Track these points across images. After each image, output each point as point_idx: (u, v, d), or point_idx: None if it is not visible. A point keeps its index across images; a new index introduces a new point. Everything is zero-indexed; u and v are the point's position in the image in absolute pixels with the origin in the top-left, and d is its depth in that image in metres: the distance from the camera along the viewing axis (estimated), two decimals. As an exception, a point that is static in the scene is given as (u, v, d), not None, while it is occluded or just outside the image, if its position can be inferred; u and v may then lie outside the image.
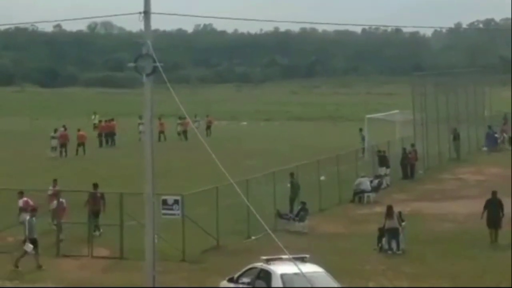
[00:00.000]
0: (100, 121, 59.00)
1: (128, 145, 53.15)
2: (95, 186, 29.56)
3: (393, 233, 26.77)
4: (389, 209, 27.45)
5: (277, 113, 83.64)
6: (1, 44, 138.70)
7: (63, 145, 50.35)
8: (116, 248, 26.25)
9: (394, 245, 26.72)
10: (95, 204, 28.27)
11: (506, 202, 32.85)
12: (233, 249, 26.87)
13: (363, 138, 48.66)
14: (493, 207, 28.22)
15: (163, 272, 22.27)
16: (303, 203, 30.73)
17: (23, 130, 65.60)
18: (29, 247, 24.69)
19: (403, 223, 27.36)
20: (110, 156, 50.33)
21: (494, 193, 29.03)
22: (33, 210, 25.89)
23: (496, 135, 54.73)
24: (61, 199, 28.05)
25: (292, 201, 32.20)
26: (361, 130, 49.41)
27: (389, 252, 26.60)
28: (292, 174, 32.92)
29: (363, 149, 45.85)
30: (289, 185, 32.77)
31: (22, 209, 27.98)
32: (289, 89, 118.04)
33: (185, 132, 59.33)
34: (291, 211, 31.32)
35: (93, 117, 63.80)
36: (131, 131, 58.80)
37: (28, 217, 25.35)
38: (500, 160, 46.56)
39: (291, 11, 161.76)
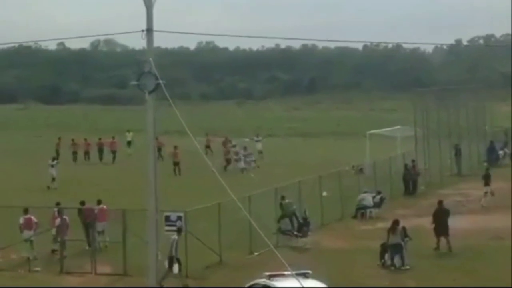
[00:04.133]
0: (72, 140, 59.32)
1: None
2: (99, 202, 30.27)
3: (397, 249, 26.80)
4: (394, 223, 27.52)
5: (278, 129, 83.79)
6: (5, 62, 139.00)
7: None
8: (119, 265, 26.32)
9: (397, 260, 26.76)
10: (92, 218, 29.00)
11: (506, 216, 33.16)
12: (235, 265, 26.94)
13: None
14: (440, 216, 29.00)
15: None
16: (304, 219, 30.78)
17: (29, 147, 65.84)
18: (175, 268, 24.57)
19: (406, 239, 27.43)
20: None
21: (440, 203, 29.97)
22: (179, 230, 25.47)
23: (500, 152, 54.81)
24: (64, 216, 28.16)
25: (288, 217, 31.84)
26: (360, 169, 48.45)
27: (392, 268, 26.64)
28: (283, 197, 32.36)
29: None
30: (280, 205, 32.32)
31: (24, 226, 28.04)
32: (291, 105, 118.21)
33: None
34: (292, 226, 31.21)
35: (127, 134, 64.12)
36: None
37: (175, 237, 24.98)
38: (502, 175, 46.61)
39: (292, 28, 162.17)
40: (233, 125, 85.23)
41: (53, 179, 45.14)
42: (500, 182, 42.92)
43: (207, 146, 60.42)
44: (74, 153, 57.34)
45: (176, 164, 50.24)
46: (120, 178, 48.37)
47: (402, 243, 26.95)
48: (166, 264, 24.52)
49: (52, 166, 45.85)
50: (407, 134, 48.82)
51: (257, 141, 59.72)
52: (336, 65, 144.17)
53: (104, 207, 30.09)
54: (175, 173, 49.62)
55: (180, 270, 24.72)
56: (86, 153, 58.84)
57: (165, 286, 24.28)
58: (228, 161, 51.90)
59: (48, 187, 44.33)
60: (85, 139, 60.28)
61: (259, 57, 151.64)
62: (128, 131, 64.88)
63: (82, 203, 30.45)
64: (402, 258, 26.67)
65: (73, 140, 59.36)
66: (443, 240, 29.18)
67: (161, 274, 24.03)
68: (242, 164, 51.28)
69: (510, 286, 23.82)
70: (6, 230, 28.15)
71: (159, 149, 56.75)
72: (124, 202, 31.16)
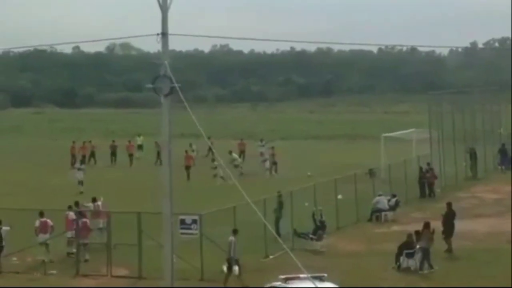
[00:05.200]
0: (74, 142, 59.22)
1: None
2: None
3: (424, 252, 26.72)
4: (425, 227, 27.51)
5: (293, 132, 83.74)
6: (20, 66, 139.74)
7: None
8: (134, 268, 26.41)
9: (411, 263, 26.70)
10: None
11: (498, 221, 33.08)
12: (251, 268, 26.90)
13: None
14: (450, 219, 29.22)
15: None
16: (321, 222, 30.79)
17: (45, 151, 66.16)
18: (235, 269, 24.63)
19: (420, 242, 27.38)
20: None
21: (449, 205, 30.15)
22: (235, 231, 25.58)
23: (514, 156, 54.55)
24: (84, 219, 28.25)
25: (278, 220, 31.80)
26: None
27: (426, 271, 26.47)
28: (280, 196, 32.57)
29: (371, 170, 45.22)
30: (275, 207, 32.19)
31: (40, 230, 28.14)
32: (306, 108, 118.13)
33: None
34: (277, 231, 31.08)
35: (137, 138, 64.19)
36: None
37: (232, 238, 25.07)
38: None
39: (307, 31, 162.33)
40: (247, 128, 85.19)
41: (79, 182, 44.76)
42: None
43: (209, 148, 60.44)
44: (83, 156, 57.18)
45: (188, 168, 49.72)
46: (133, 181, 48.48)
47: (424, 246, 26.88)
48: (225, 267, 24.65)
49: (79, 169, 45.83)
50: (422, 137, 48.70)
51: (261, 146, 59.36)
52: (351, 68, 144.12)
53: (99, 203, 30.99)
54: (188, 177, 49.05)
55: (239, 270, 24.71)
56: (92, 155, 58.25)
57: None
58: (274, 164, 51.99)
59: (81, 192, 42.77)
60: (90, 141, 59.92)
61: (274, 60, 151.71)
62: (139, 135, 64.94)
63: (76, 203, 30.76)
64: (422, 263, 26.54)
65: (84, 142, 59.41)
66: (455, 241, 29.19)
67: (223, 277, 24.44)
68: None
69: (511, 286, 23.82)
70: (22, 233, 28.27)
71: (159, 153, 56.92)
72: (137, 204, 31.28)
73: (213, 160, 49.15)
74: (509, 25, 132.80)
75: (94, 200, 31.62)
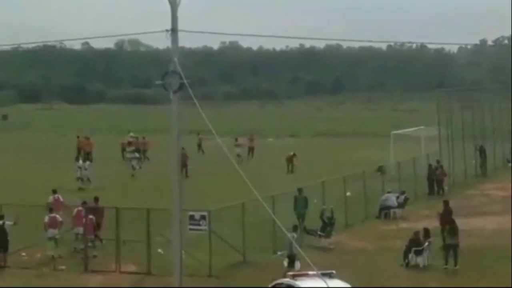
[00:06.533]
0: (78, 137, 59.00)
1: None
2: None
3: (454, 249, 26.72)
4: (452, 224, 27.53)
5: (302, 129, 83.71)
6: (30, 62, 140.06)
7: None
8: (143, 264, 26.46)
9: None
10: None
11: (506, 219, 32.95)
12: (259, 265, 26.97)
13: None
14: (447, 216, 28.87)
15: (189, 287, 22.44)
16: (329, 219, 30.79)
17: (54, 147, 66.28)
18: (297, 264, 24.41)
19: (429, 239, 27.40)
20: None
21: (446, 203, 29.96)
22: (295, 227, 25.47)
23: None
24: (90, 216, 28.29)
25: (302, 216, 31.91)
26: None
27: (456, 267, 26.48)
28: (300, 190, 32.69)
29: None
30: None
31: (49, 225, 28.19)
32: (314, 105, 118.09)
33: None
34: (303, 226, 31.09)
35: (130, 134, 64.25)
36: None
37: (293, 234, 24.99)
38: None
39: (316, 28, 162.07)
40: (255, 125, 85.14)
41: (78, 178, 44.88)
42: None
43: (199, 145, 60.13)
44: (87, 153, 56.98)
45: (184, 166, 49.48)
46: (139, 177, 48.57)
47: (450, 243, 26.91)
48: (286, 262, 24.56)
49: (85, 168, 45.99)
50: (431, 135, 48.66)
51: (236, 145, 58.97)
52: (359, 65, 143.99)
53: (60, 197, 31.86)
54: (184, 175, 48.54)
55: (292, 266, 24.55)
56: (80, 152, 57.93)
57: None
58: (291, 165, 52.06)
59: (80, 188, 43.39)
60: (78, 137, 59.56)
61: (283, 57, 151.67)
62: (128, 131, 64.89)
63: (84, 203, 30.78)
64: (455, 259, 26.57)
65: (88, 138, 59.43)
66: (463, 239, 29.11)
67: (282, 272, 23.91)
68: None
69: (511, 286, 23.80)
70: (31, 229, 28.32)
71: (138, 150, 56.87)
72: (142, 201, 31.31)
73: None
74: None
75: (54, 192, 32.25)
